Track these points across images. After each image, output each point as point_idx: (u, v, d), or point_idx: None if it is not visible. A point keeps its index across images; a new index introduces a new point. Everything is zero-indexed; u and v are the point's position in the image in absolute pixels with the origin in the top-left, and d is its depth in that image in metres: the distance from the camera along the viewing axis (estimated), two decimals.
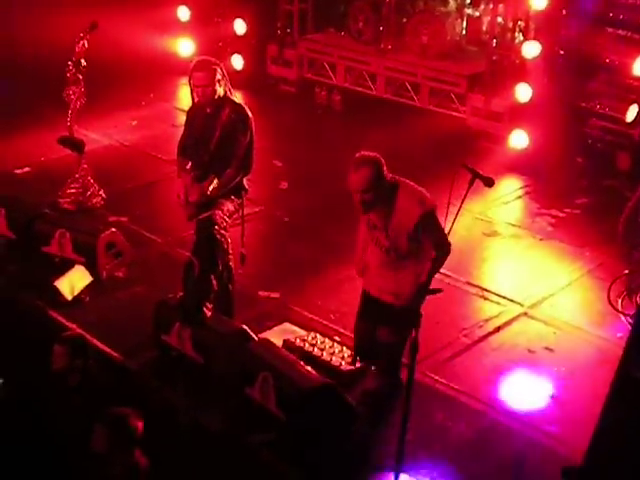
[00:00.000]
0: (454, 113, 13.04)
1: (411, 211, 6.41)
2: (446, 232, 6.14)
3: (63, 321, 8.29)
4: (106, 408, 6.21)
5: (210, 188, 7.60)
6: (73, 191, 10.47)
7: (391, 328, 6.72)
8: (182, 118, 8.30)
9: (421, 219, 6.38)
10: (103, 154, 12.05)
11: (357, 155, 6.51)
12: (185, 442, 6.90)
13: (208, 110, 7.72)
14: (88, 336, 7.87)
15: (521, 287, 9.22)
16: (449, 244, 6.41)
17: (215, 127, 7.67)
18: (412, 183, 6.61)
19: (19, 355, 7.44)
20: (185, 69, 8.02)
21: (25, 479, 6.47)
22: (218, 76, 7.62)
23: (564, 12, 12.04)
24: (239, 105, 7.77)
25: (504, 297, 8.99)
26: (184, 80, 13.97)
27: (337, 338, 7.90)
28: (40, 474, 6.45)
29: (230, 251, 7.90)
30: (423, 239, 6.52)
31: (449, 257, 6.43)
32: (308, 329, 8.12)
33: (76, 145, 10.39)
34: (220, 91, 7.64)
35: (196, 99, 7.83)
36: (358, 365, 7.29)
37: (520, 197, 11.44)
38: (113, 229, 9.21)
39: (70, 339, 7.10)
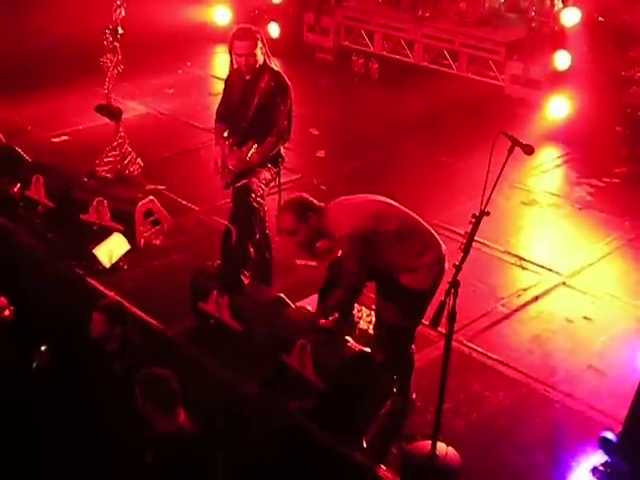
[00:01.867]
0: (492, 81, 12.94)
1: (338, 231, 6.30)
2: (483, 201, 5.90)
3: (102, 289, 8.36)
4: (144, 370, 6.23)
5: (249, 155, 7.60)
6: (111, 159, 10.49)
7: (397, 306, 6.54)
8: (219, 86, 8.30)
9: (339, 239, 6.28)
10: (140, 122, 12.09)
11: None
12: (223, 410, 6.94)
13: (247, 77, 7.70)
14: (126, 304, 7.93)
15: (559, 256, 9.17)
16: (352, 281, 6.31)
17: (254, 94, 7.65)
18: (343, 204, 6.47)
19: (59, 322, 7.49)
20: (222, 37, 8.03)
21: (68, 446, 6.54)
22: (259, 44, 7.59)
23: None
24: (278, 73, 7.74)
25: (542, 266, 8.95)
26: (221, 48, 14.13)
27: (374, 307, 7.88)
28: (82, 440, 6.51)
29: (267, 219, 7.91)
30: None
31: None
32: None
33: (113, 113, 10.40)
34: (260, 59, 7.62)
35: (236, 66, 7.81)
36: None
37: (559, 166, 11.37)
38: (151, 197, 9.25)
39: (109, 306, 7.14)
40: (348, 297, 6.53)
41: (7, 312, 7.18)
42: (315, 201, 6.43)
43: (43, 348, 7.06)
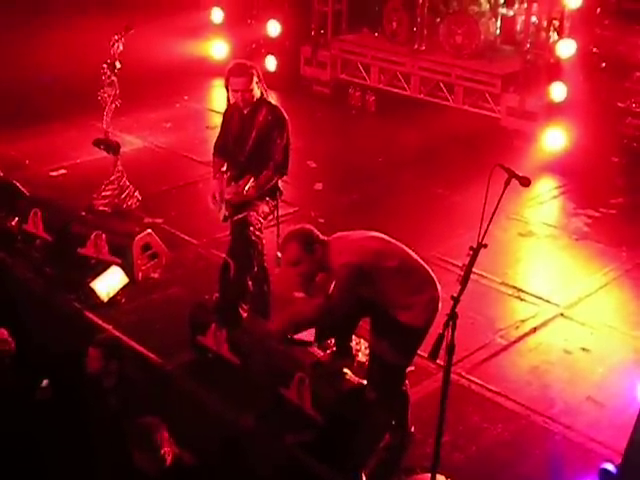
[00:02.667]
0: (488, 113, 12.99)
1: (335, 264, 6.27)
2: (480, 233, 5.87)
3: (99, 322, 8.35)
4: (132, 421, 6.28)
5: (246, 188, 7.62)
6: (109, 193, 10.51)
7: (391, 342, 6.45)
8: (216, 120, 8.34)
9: (335, 270, 6.24)
10: (138, 156, 12.11)
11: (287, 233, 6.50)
12: (220, 442, 6.92)
13: (245, 111, 7.73)
14: (124, 337, 7.93)
15: (557, 287, 9.17)
16: (330, 311, 6.24)
17: (252, 128, 7.69)
18: (344, 238, 6.45)
19: (57, 356, 7.48)
20: (219, 71, 8.07)
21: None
22: (255, 79, 7.63)
23: (598, 10, 11.97)
24: (276, 107, 7.78)
25: (540, 298, 8.95)
26: (218, 82, 14.20)
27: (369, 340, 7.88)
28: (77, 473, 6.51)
29: (265, 252, 7.92)
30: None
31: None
32: None
33: (111, 147, 10.43)
34: (257, 93, 7.66)
35: (233, 101, 7.85)
36: None
37: (556, 197, 11.39)
38: (149, 231, 9.25)
39: (104, 342, 7.12)
40: (314, 321, 6.51)
41: (9, 346, 7.20)
42: (319, 233, 6.41)
43: (45, 382, 7.05)
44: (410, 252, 6.43)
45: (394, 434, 6.74)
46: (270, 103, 7.77)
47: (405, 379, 6.63)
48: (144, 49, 13.07)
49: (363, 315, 6.71)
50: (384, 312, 6.31)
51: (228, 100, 7.94)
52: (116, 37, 10.05)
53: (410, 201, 10.97)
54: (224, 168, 7.87)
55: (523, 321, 8.57)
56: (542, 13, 12.32)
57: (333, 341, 7.15)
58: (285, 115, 7.77)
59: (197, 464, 6.16)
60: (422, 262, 6.43)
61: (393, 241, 6.45)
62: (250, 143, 7.70)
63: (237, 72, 7.67)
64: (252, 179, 7.63)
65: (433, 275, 6.40)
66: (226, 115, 8.02)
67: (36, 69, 14.19)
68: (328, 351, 7.02)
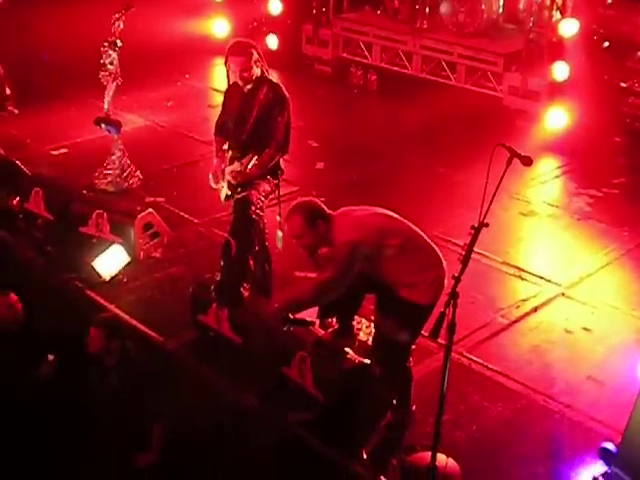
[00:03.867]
0: (491, 92, 12.96)
1: (338, 241, 6.28)
2: (482, 213, 5.83)
3: (101, 301, 8.36)
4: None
5: (249, 167, 7.62)
6: (110, 172, 10.51)
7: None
8: (217, 98, 8.32)
9: (338, 245, 6.24)
10: (139, 135, 12.10)
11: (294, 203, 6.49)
12: (221, 421, 6.94)
13: (246, 90, 7.73)
14: (126, 316, 7.95)
15: (558, 267, 9.17)
16: (327, 289, 6.26)
17: (253, 106, 7.68)
18: (349, 214, 6.47)
19: (59, 336, 7.49)
20: (220, 50, 8.04)
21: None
22: (255, 57, 7.62)
23: None
24: (276, 84, 7.77)
25: (541, 277, 8.95)
26: (219, 60, 14.15)
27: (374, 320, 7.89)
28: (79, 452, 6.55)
29: (266, 231, 7.93)
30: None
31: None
32: None
33: (112, 126, 10.42)
34: (257, 72, 7.65)
35: (233, 80, 7.84)
36: None
37: (557, 177, 11.38)
38: (150, 210, 9.25)
39: (105, 321, 7.12)
40: (312, 300, 6.46)
41: (17, 311, 7.24)
42: (325, 208, 6.42)
43: (50, 357, 7.08)
44: (416, 230, 6.44)
45: (396, 413, 6.76)
46: (271, 81, 7.76)
47: (410, 356, 6.64)
48: (145, 27, 13.01)
49: (366, 293, 6.73)
50: (388, 290, 6.32)
51: (228, 79, 7.93)
52: (117, 15, 10.02)
53: (412, 180, 10.95)
54: (225, 147, 7.87)
55: (524, 300, 8.58)
56: None
57: (335, 320, 7.17)
58: (286, 93, 7.75)
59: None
60: (429, 240, 6.44)
61: (399, 218, 6.45)
62: (251, 122, 7.69)
63: (236, 51, 7.67)
64: (254, 158, 7.63)
65: (439, 253, 6.41)
66: (227, 94, 8.01)
67: (37, 48, 14.14)
68: (329, 330, 7.03)
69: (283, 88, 7.78)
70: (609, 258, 9.36)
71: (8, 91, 10.87)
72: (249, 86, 7.71)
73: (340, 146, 12.12)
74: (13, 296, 7.31)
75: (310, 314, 7.17)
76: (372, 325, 7.46)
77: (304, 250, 6.48)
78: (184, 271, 8.92)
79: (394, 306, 6.34)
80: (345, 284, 6.26)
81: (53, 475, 6.56)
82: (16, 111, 10.80)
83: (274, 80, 7.83)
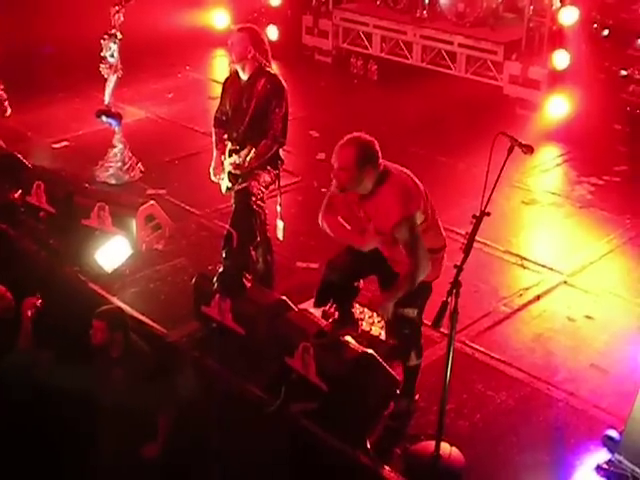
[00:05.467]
0: (491, 81, 12.95)
1: (391, 210, 6.17)
2: (483, 201, 5.83)
3: (104, 294, 8.37)
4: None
5: (247, 158, 7.63)
6: (111, 165, 10.52)
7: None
8: (218, 90, 8.30)
9: (398, 223, 6.13)
10: (140, 127, 12.10)
11: (354, 133, 6.38)
12: (225, 411, 6.96)
13: (243, 81, 7.73)
14: (129, 308, 7.95)
15: (561, 255, 9.17)
16: (421, 265, 6.15)
17: (251, 98, 7.69)
18: (405, 178, 6.41)
19: (62, 328, 7.51)
20: (220, 41, 8.06)
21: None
22: (253, 41, 7.63)
23: None
24: (274, 75, 7.77)
25: (544, 266, 8.95)
26: (219, 52, 14.16)
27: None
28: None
29: (268, 222, 7.93)
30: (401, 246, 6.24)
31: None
32: None
33: (113, 118, 10.42)
34: (252, 55, 7.63)
35: (232, 71, 7.87)
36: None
37: (559, 165, 11.38)
38: (152, 202, 9.25)
39: (108, 313, 7.14)
40: (405, 287, 6.27)
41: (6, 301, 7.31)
42: (380, 156, 6.29)
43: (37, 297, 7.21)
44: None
45: (399, 402, 6.78)
46: (269, 72, 7.76)
47: (421, 332, 6.68)
48: (145, 19, 13.01)
49: (365, 275, 6.73)
50: (391, 270, 6.33)
51: (229, 70, 7.96)
52: (117, 8, 10.02)
53: (413, 169, 10.75)
54: (225, 138, 7.88)
55: (527, 289, 8.58)
56: None
57: (335, 309, 7.15)
58: (284, 84, 7.76)
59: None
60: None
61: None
62: (249, 113, 7.70)
63: (239, 28, 7.82)
64: (252, 149, 7.64)
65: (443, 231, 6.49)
66: (226, 84, 8.03)
67: (37, 40, 14.14)
68: (330, 319, 7.04)
69: (281, 79, 7.79)
70: (611, 246, 9.36)
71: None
72: (245, 76, 7.72)
73: (341, 136, 11.87)
74: (1, 287, 7.37)
75: (308, 305, 7.20)
76: (374, 315, 7.51)
77: (337, 181, 6.35)
78: (186, 263, 8.92)
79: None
80: (425, 254, 6.19)
81: (59, 467, 6.58)
82: (9, 111, 10.76)
83: (272, 72, 7.82)
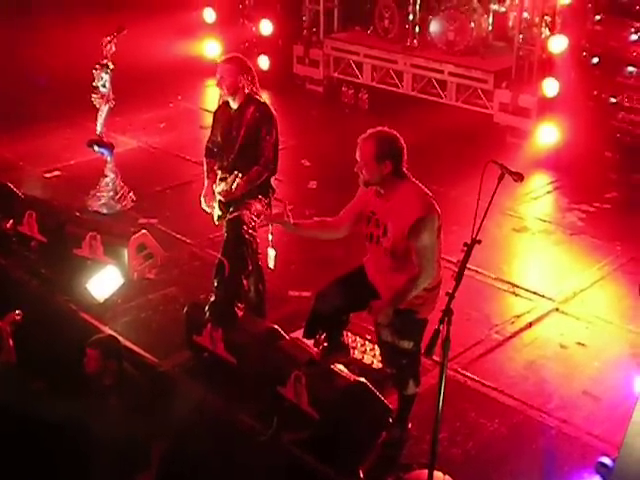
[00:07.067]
0: (481, 109, 13.01)
1: (412, 207, 6.25)
2: (474, 229, 5.80)
3: (96, 323, 8.35)
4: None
5: (233, 185, 7.60)
6: (103, 194, 10.53)
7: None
8: (209, 119, 8.32)
9: (416, 222, 6.18)
10: (132, 156, 12.11)
11: (377, 127, 6.46)
12: (217, 441, 6.93)
13: (233, 110, 7.75)
14: (121, 338, 7.93)
15: (552, 282, 9.19)
16: (427, 272, 6.19)
17: (240, 126, 7.71)
18: (423, 187, 6.48)
19: (54, 358, 7.49)
20: (212, 71, 8.08)
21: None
22: (242, 71, 7.64)
23: (590, 6, 12.01)
24: (263, 103, 7.79)
25: (535, 293, 8.97)
26: (211, 82, 14.17)
27: (368, 337, 7.88)
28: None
29: (259, 251, 7.93)
30: (410, 248, 6.24)
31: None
32: None
33: (105, 148, 10.43)
34: (241, 85, 7.64)
35: (222, 100, 7.89)
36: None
37: (549, 192, 11.41)
38: (143, 231, 9.25)
39: (102, 341, 7.14)
40: (411, 291, 6.27)
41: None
42: (404, 157, 6.37)
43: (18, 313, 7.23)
44: None
45: (392, 430, 6.76)
46: (258, 101, 7.77)
47: (419, 361, 6.67)
48: (137, 50, 13.06)
49: (354, 309, 6.73)
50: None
51: (219, 99, 7.97)
52: (108, 38, 10.04)
53: None
54: (216, 168, 7.89)
55: (518, 316, 8.59)
56: (534, 9, 12.37)
57: (324, 338, 7.13)
58: (273, 112, 7.77)
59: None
60: None
61: None
62: (239, 141, 7.70)
63: (225, 60, 7.80)
64: (239, 175, 7.62)
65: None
66: (217, 114, 8.04)
67: (29, 70, 14.18)
68: (321, 347, 7.02)
69: (270, 107, 7.80)
70: (602, 273, 9.38)
71: None
72: (235, 105, 7.73)
73: (332, 165, 12.11)
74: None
75: (300, 333, 7.19)
76: (367, 343, 7.50)
77: (360, 174, 6.44)
78: (178, 292, 8.91)
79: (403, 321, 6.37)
80: (435, 263, 6.24)
81: None
82: None
83: (261, 100, 7.84)
